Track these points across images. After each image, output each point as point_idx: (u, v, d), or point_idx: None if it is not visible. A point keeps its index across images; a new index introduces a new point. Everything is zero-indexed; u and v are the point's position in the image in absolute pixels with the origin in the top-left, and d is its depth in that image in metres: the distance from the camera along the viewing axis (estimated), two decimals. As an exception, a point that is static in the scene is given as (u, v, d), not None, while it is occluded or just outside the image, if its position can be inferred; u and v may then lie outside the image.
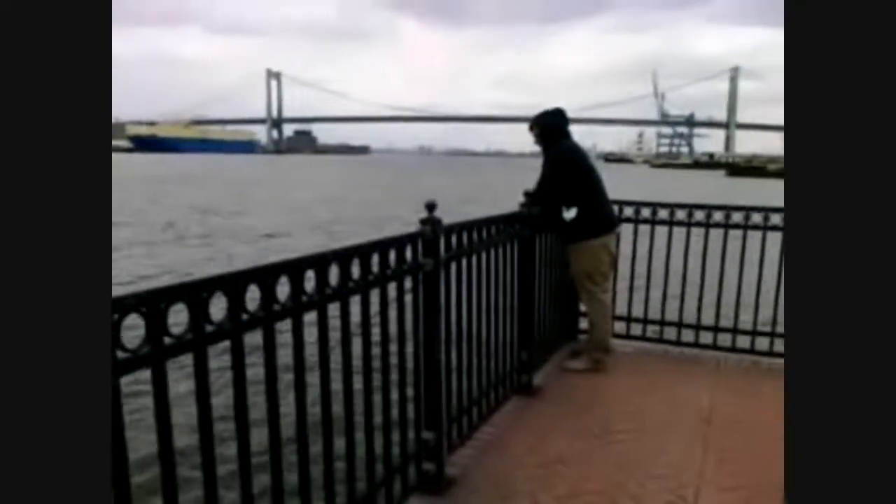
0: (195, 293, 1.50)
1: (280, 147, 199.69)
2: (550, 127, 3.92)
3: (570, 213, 3.80)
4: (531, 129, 3.98)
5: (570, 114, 4.08)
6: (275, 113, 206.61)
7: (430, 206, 2.44)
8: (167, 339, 1.44)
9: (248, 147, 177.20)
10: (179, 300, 1.46)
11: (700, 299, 4.30)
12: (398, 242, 2.30)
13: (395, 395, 2.39)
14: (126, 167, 52.70)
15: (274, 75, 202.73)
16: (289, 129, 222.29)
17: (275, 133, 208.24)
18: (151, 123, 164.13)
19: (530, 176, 3.90)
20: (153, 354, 1.41)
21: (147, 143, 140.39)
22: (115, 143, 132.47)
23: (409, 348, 2.46)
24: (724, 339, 4.28)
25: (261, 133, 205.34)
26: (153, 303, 1.40)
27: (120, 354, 1.33)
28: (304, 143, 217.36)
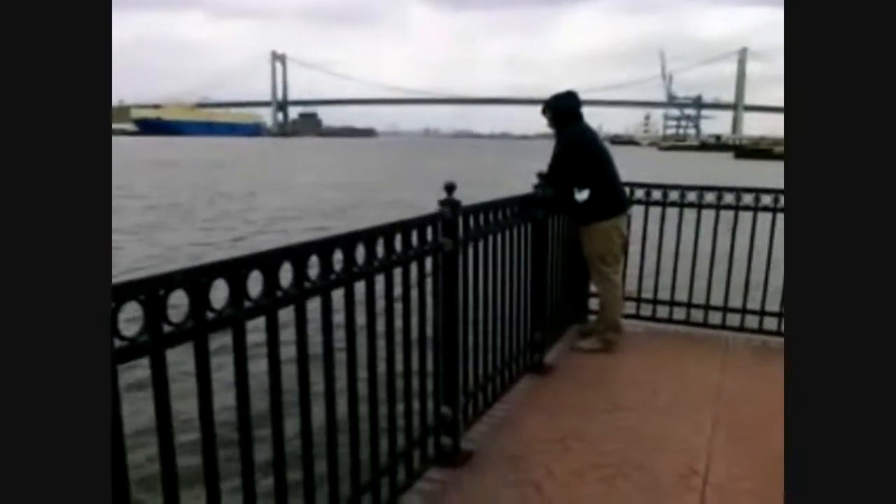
0: (235, 270, 1.57)
1: (285, 130, 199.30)
2: (563, 110, 3.96)
3: (582, 195, 3.86)
4: (544, 112, 4.02)
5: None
6: (280, 96, 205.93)
7: (450, 188, 2.51)
8: (209, 314, 1.51)
9: (254, 130, 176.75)
10: (220, 276, 1.53)
11: (709, 280, 4.35)
12: (419, 223, 2.37)
13: (415, 370, 2.47)
14: (133, 151, 52.64)
15: (279, 58, 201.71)
16: (294, 112, 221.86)
17: (280, 116, 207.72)
18: (156, 106, 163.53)
19: (531, 159, 3.93)
20: (196, 329, 1.49)
21: (152, 126, 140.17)
22: (120, 126, 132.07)
23: (429, 326, 2.54)
24: (733, 320, 4.34)
25: (266, 116, 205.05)
26: (195, 279, 1.47)
27: (166, 328, 1.41)
28: (309, 125, 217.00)
